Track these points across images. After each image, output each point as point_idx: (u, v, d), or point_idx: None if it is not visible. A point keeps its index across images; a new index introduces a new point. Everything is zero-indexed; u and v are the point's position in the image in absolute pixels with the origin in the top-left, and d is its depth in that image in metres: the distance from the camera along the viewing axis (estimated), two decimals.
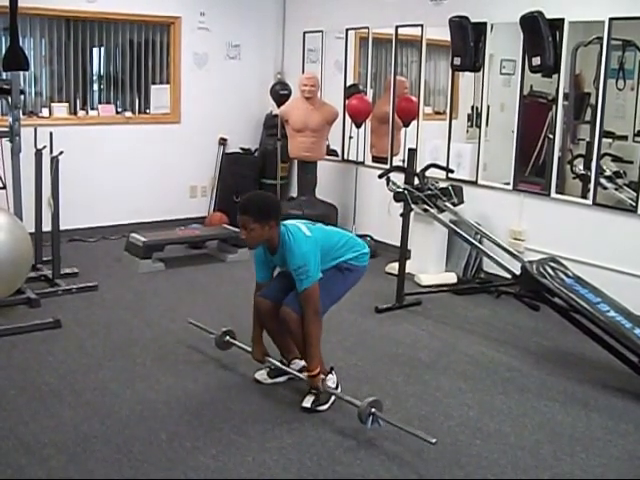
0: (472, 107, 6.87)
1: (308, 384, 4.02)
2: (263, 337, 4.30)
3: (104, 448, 3.55)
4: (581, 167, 6.05)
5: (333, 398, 4.05)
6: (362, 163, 7.64)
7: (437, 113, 7.55)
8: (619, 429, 3.93)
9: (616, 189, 5.79)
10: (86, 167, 7.42)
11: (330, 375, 4.12)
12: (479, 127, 6.56)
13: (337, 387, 4.12)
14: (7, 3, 5.50)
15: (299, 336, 4.02)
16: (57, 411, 3.91)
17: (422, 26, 6.88)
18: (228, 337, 4.60)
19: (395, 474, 3.42)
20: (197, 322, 4.95)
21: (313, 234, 4.00)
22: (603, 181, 5.75)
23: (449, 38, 6.44)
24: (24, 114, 6.76)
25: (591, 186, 5.69)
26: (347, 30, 7.70)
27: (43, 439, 3.61)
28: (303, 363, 4.32)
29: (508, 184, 6.28)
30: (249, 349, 4.37)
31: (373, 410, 3.69)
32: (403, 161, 6.86)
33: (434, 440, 3.48)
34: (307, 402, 3.99)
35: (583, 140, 6.17)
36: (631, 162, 5.88)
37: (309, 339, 3.94)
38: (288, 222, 4.07)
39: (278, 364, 4.26)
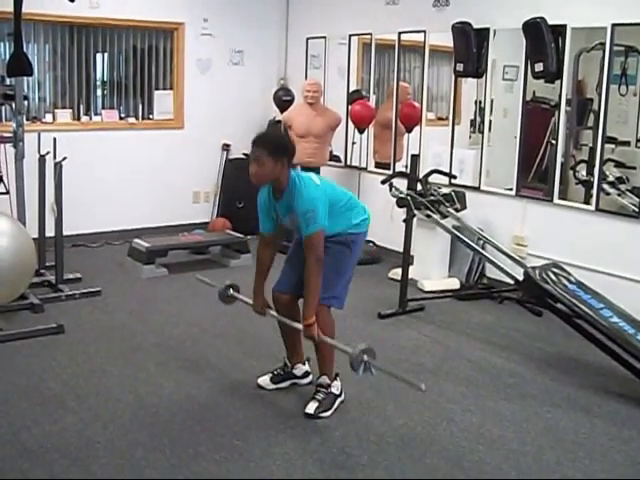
0: (475, 109, 6.87)
1: (304, 334, 3.91)
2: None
3: (107, 453, 3.55)
4: (584, 173, 6.06)
5: (336, 404, 4.05)
6: (365, 169, 7.65)
7: (440, 119, 7.57)
8: (622, 435, 3.92)
9: (619, 195, 5.79)
10: (89, 173, 7.43)
11: (335, 382, 4.11)
12: (482, 133, 6.57)
13: (341, 393, 4.11)
14: (11, 9, 5.51)
15: (326, 332, 3.97)
16: (60, 416, 3.91)
17: (425, 32, 6.88)
18: (231, 290, 4.50)
19: None
20: (203, 278, 4.88)
21: (322, 184, 3.96)
22: (606, 187, 5.75)
23: (452, 44, 6.45)
24: (28, 119, 6.78)
25: (594, 192, 5.68)
26: (350, 36, 7.72)
27: (46, 444, 3.61)
28: (306, 368, 4.34)
29: (511, 190, 6.28)
30: (250, 301, 4.28)
31: (366, 358, 3.56)
32: (406, 167, 6.85)
33: (423, 387, 3.39)
34: (310, 408, 3.98)
35: (586, 146, 6.19)
36: (634, 168, 5.89)
37: (308, 287, 3.84)
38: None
39: (278, 316, 4.13)
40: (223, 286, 4.49)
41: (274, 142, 3.92)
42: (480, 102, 6.76)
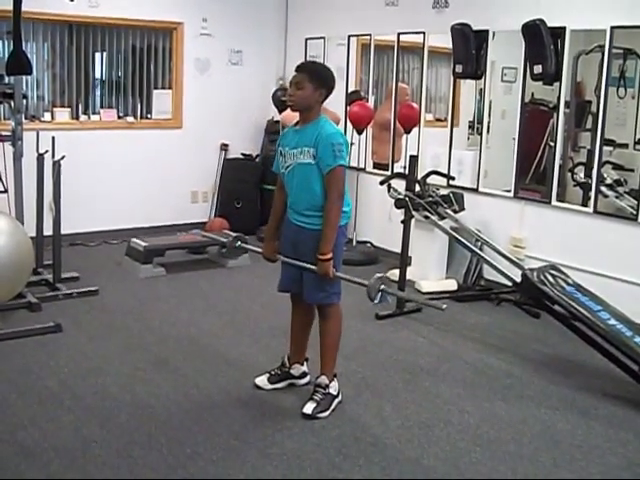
0: (474, 110, 6.88)
1: (318, 270, 3.88)
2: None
3: (104, 453, 3.55)
4: (582, 175, 6.06)
5: (334, 405, 4.05)
6: (363, 169, 7.65)
7: (438, 120, 7.57)
8: (619, 437, 3.93)
9: (617, 197, 5.80)
10: (88, 172, 7.43)
11: (333, 382, 4.12)
12: (480, 134, 6.57)
13: (338, 394, 4.12)
14: (11, 8, 5.51)
15: (334, 328, 4.06)
16: (57, 415, 3.91)
17: (424, 33, 6.89)
18: (239, 242, 4.49)
19: None
20: (206, 234, 4.88)
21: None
22: (604, 189, 5.75)
23: (451, 45, 6.46)
24: (26, 118, 6.77)
25: (592, 194, 5.69)
26: (349, 37, 7.73)
27: (43, 443, 3.61)
28: (304, 369, 4.34)
29: (509, 191, 6.29)
30: (260, 250, 4.28)
31: (382, 287, 3.69)
32: (404, 168, 6.86)
33: (444, 306, 3.57)
34: (308, 408, 3.98)
35: (584, 148, 6.19)
36: (632, 170, 5.89)
37: (328, 221, 3.83)
38: None
39: (288, 260, 4.08)
40: (231, 238, 4.53)
41: (318, 71, 3.99)
42: (479, 103, 6.76)
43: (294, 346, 4.34)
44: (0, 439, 3.64)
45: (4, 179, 6.01)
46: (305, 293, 4.07)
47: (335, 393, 4.10)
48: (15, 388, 4.21)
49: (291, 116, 7.42)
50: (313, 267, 3.90)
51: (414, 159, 6.15)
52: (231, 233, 7.17)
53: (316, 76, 3.91)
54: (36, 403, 4.04)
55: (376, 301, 3.73)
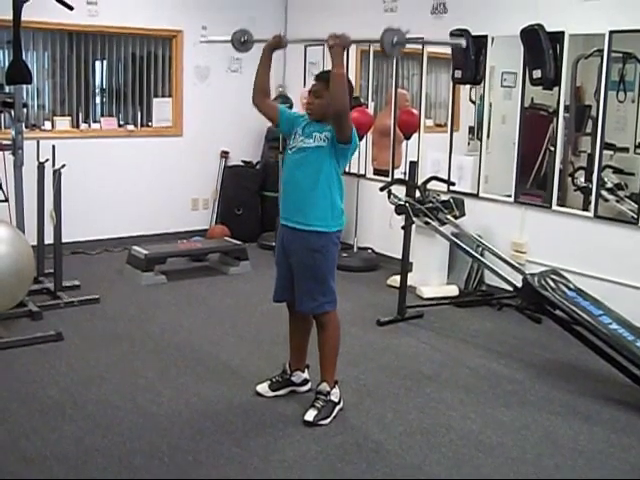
0: (473, 115, 6.89)
1: (330, 41, 4.10)
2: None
3: (105, 461, 3.54)
4: (582, 179, 6.06)
5: (335, 412, 4.04)
6: (363, 176, 7.65)
7: (438, 126, 7.58)
8: (622, 442, 3.92)
9: (617, 201, 5.80)
10: (88, 180, 7.43)
11: (334, 389, 4.11)
12: (480, 139, 6.58)
13: (340, 401, 4.11)
14: (11, 17, 5.53)
15: (332, 336, 4.08)
16: (59, 424, 3.90)
17: (423, 39, 6.89)
18: (246, 36, 4.52)
19: None
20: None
21: None
22: (604, 193, 5.75)
23: (450, 51, 6.46)
24: (27, 127, 6.77)
25: (592, 198, 5.69)
26: None
27: (45, 452, 3.61)
28: (305, 376, 4.34)
29: (509, 196, 6.29)
30: (265, 38, 4.30)
31: (396, 39, 3.99)
32: (404, 174, 6.86)
33: (464, 42, 3.59)
34: (309, 416, 3.97)
35: (584, 152, 6.19)
36: (632, 174, 5.89)
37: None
38: None
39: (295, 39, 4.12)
40: (237, 29, 4.56)
41: None
42: (478, 107, 6.77)
43: (294, 353, 4.34)
44: (2, 448, 3.64)
45: (5, 188, 6.01)
46: (297, 303, 4.07)
47: (336, 400, 4.09)
48: (17, 397, 4.21)
49: None
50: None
51: (414, 165, 6.16)
52: (232, 240, 7.28)
53: None
54: (38, 412, 4.03)
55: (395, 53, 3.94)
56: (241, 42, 4.42)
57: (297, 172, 3.97)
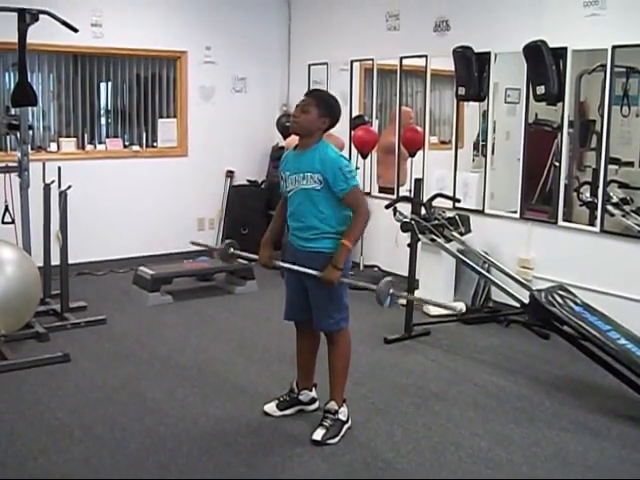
0: (477, 132, 6.90)
1: (324, 275, 3.84)
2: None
3: None
4: (588, 194, 6.05)
5: (344, 431, 4.03)
6: (369, 194, 7.64)
7: (443, 143, 7.58)
8: (632, 458, 3.89)
9: (623, 216, 5.78)
10: (94, 201, 7.45)
11: (342, 408, 4.09)
12: (485, 156, 6.58)
13: (348, 420, 4.09)
14: (16, 40, 5.56)
15: (343, 354, 4.07)
16: (67, 445, 3.89)
17: (426, 57, 6.93)
18: (232, 249, 4.45)
19: None
20: (198, 241, 4.89)
21: None
22: (610, 208, 5.74)
23: (453, 68, 6.48)
24: (32, 149, 6.79)
25: (598, 213, 5.68)
26: (352, 62, 7.77)
27: (53, 474, 3.60)
28: (313, 394, 4.32)
29: (515, 212, 6.28)
30: (255, 257, 4.26)
31: (391, 290, 3.70)
32: (410, 191, 6.87)
33: (461, 307, 3.50)
34: (317, 435, 3.95)
35: (589, 167, 6.19)
36: (638, 188, 5.88)
37: (353, 230, 3.91)
38: None
39: (286, 264, 4.10)
40: (223, 245, 4.48)
41: (325, 99, 4.01)
42: (482, 124, 6.78)
43: (301, 372, 4.33)
44: (10, 470, 3.63)
45: (11, 210, 6.03)
46: (315, 322, 4.07)
47: (345, 419, 4.07)
48: (24, 418, 4.20)
49: (296, 142, 7.45)
50: (315, 272, 3.89)
51: (419, 182, 6.16)
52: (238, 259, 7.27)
53: (323, 103, 3.94)
54: (45, 434, 4.02)
55: (386, 305, 3.71)
56: (229, 255, 4.46)
57: (299, 209, 3.98)
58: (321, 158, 3.87)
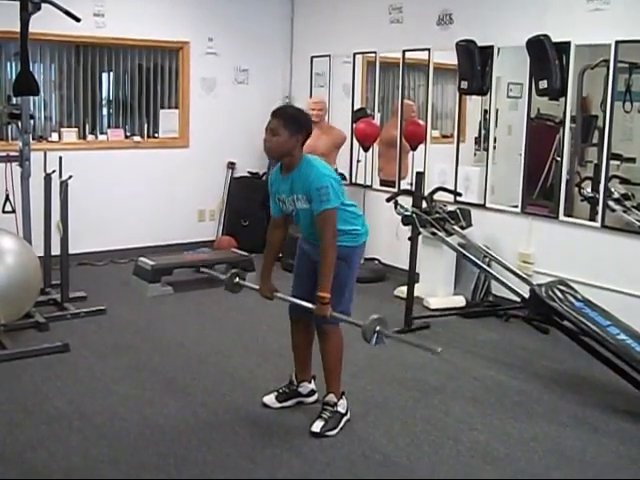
0: (479, 126, 6.89)
1: (316, 311, 3.85)
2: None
3: (112, 473, 3.54)
4: (589, 190, 6.04)
5: (342, 423, 4.03)
6: (370, 187, 7.65)
7: (444, 136, 7.57)
8: (630, 453, 3.89)
9: (624, 211, 5.78)
10: (95, 191, 7.45)
11: (341, 400, 4.10)
12: (487, 150, 6.57)
13: (347, 412, 4.10)
14: (18, 29, 5.55)
15: (335, 349, 4.06)
16: (65, 436, 3.90)
17: (429, 50, 6.92)
18: (237, 278, 4.47)
19: None
20: (207, 270, 4.97)
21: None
22: (611, 203, 5.74)
23: (456, 62, 6.47)
24: (34, 139, 6.78)
25: (599, 208, 5.68)
26: (354, 54, 7.75)
27: (51, 464, 3.60)
28: (312, 386, 4.32)
29: (516, 207, 6.28)
30: (258, 287, 4.27)
31: (378, 328, 3.64)
32: (411, 185, 6.87)
33: (439, 349, 3.50)
34: (316, 427, 3.96)
35: (591, 163, 6.17)
36: (639, 184, 5.87)
37: (325, 261, 3.80)
38: None
39: (287, 297, 4.13)
40: (229, 274, 4.49)
41: (292, 116, 3.98)
42: (485, 119, 6.76)
43: (298, 365, 4.33)
44: (8, 460, 3.63)
45: (12, 199, 6.02)
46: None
47: (343, 411, 4.08)
48: (23, 408, 4.21)
49: None
50: (311, 306, 3.90)
51: (420, 176, 6.15)
52: (238, 251, 7.28)
53: (291, 122, 3.90)
54: (44, 423, 4.03)
55: (372, 343, 3.66)
56: (234, 284, 4.47)
57: (307, 222, 3.98)
58: (303, 181, 3.86)
